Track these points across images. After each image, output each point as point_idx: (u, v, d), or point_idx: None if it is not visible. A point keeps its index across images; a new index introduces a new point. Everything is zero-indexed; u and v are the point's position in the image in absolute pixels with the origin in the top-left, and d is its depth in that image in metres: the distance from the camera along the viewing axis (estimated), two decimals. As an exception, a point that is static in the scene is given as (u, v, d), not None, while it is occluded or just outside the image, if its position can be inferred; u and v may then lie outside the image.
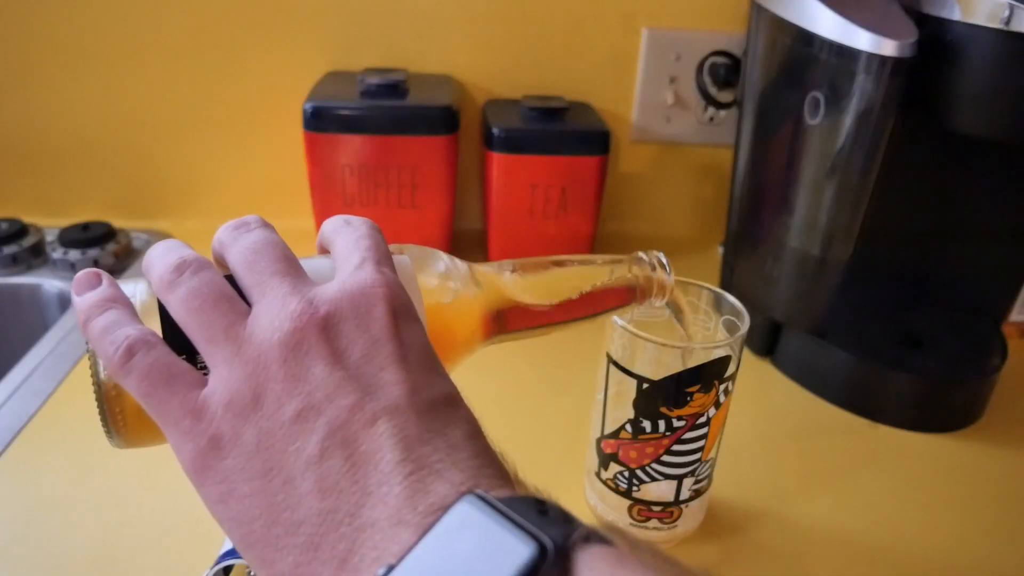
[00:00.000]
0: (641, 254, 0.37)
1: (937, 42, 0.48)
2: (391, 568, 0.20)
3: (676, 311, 0.40)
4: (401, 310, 0.27)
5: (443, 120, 0.67)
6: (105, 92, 0.75)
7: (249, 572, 0.40)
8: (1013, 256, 0.63)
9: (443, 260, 0.34)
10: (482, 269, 0.35)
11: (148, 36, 0.73)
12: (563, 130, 0.70)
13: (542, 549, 0.20)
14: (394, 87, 0.68)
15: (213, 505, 0.25)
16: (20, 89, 0.75)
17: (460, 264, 0.34)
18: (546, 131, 0.70)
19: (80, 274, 0.29)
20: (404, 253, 0.33)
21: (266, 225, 0.30)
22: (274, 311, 0.26)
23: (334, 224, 0.31)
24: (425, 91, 0.70)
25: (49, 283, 0.70)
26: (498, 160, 0.69)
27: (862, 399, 0.58)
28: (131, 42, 0.73)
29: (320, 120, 0.65)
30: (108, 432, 0.28)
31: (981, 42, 0.47)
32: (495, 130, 0.68)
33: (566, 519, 0.21)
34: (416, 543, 0.21)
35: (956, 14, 0.47)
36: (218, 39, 0.74)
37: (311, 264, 0.30)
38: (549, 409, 0.56)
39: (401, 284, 0.28)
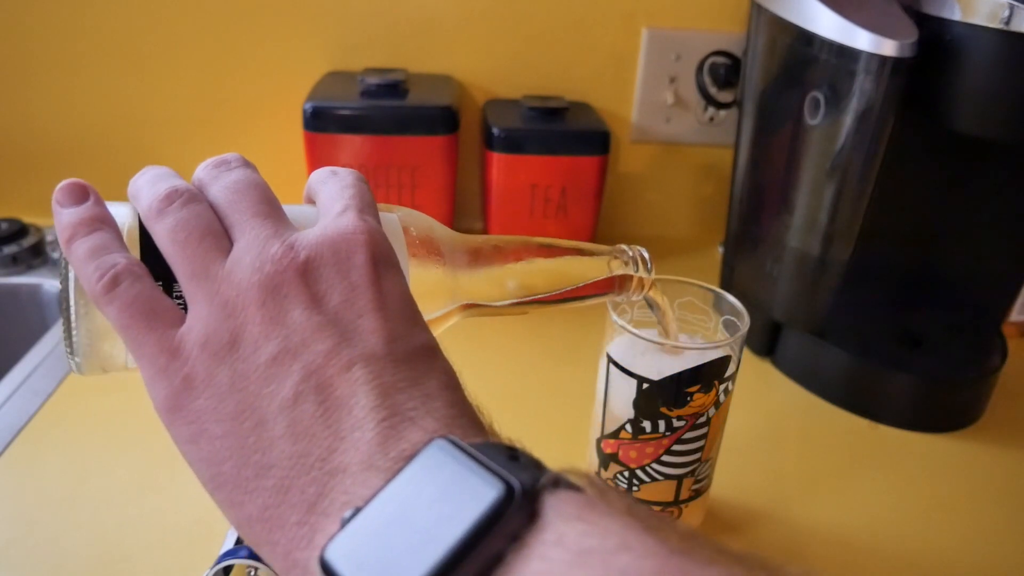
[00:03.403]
0: (624, 247, 0.37)
1: (937, 42, 0.48)
2: (357, 511, 0.20)
3: (654, 307, 0.39)
4: (382, 258, 0.26)
5: (443, 120, 0.67)
6: (105, 92, 0.75)
7: (249, 572, 0.40)
8: (1013, 256, 0.63)
9: (434, 224, 0.34)
10: (470, 244, 0.35)
11: (148, 36, 0.73)
12: (563, 130, 0.70)
13: (509, 491, 0.19)
14: (394, 87, 0.68)
15: (183, 445, 0.25)
16: (20, 89, 0.75)
17: (451, 233, 0.35)
18: (546, 131, 0.70)
19: (64, 183, 0.28)
20: (395, 212, 0.33)
21: (248, 164, 0.30)
22: (254, 252, 0.25)
23: (320, 175, 0.31)
24: (425, 91, 0.70)
25: (49, 283, 0.70)
26: (498, 160, 0.69)
27: (862, 399, 0.58)
28: (131, 42, 0.73)
29: (320, 120, 0.65)
30: (70, 351, 0.28)
31: (981, 42, 0.47)
32: (495, 130, 0.68)
33: (536, 465, 0.21)
34: (384, 487, 0.21)
35: (956, 14, 0.47)
36: (218, 39, 0.74)
37: (294, 211, 0.30)
38: (549, 409, 0.56)
39: (384, 234, 0.28)
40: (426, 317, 0.28)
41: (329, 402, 0.23)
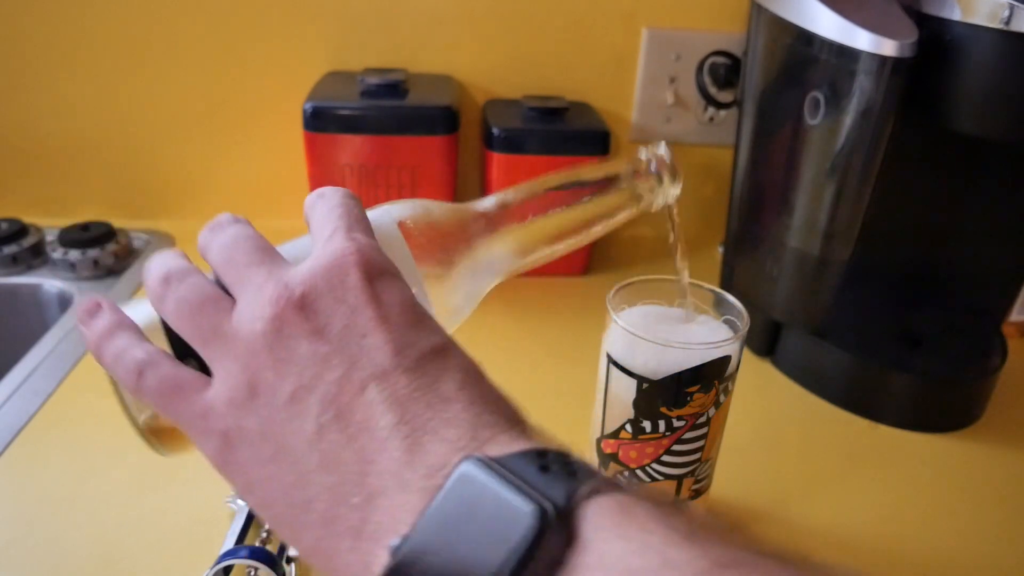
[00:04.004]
0: (641, 156, 0.38)
1: (937, 42, 0.48)
2: (403, 540, 0.21)
3: (673, 224, 0.38)
4: (376, 271, 0.27)
5: (443, 120, 0.67)
6: (105, 92, 0.75)
7: (249, 572, 0.40)
8: (1013, 256, 0.63)
9: (432, 208, 0.34)
10: (474, 213, 0.35)
11: (148, 36, 0.73)
12: (563, 130, 0.70)
13: (543, 514, 0.19)
14: (394, 87, 0.68)
15: (243, 496, 0.26)
16: (20, 89, 0.75)
17: (453, 209, 0.35)
18: (546, 131, 0.70)
19: (81, 305, 0.30)
20: (393, 209, 0.34)
21: (238, 220, 0.30)
22: (253, 301, 0.26)
23: (309, 200, 0.31)
24: (425, 91, 0.70)
25: (49, 283, 0.70)
26: (498, 160, 0.69)
27: (862, 399, 0.58)
28: (131, 42, 0.73)
29: (320, 120, 0.65)
30: (150, 446, 0.31)
31: (981, 42, 0.47)
32: (495, 130, 0.68)
33: (568, 471, 0.21)
34: (424, 509, 0.21)
35: (956, 14, 0.47)
36: (218, 39, 0.74)
37: (290, 248, 0.31)
38: (549, 409, 0.56)
39: (375, 246, 0.28)
40: (455, 306, 0.29)
41: (351, 428, 0.24)
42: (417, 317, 0.26)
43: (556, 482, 0.20)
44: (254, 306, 0.26)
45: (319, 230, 0.29)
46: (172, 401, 0.26)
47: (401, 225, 0.33)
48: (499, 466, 0.21)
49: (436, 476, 0.22)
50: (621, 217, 0.37)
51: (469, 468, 0.21)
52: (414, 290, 0.30)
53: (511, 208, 0.35)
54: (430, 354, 0.25)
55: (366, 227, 0.29)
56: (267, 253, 0.28)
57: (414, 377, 0.24)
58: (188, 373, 0.27)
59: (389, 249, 0.31)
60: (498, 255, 0.35)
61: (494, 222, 0.35)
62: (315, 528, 0.24)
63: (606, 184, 0.37)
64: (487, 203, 0.35)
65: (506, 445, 0.23)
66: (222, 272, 0.28)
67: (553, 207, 0.36)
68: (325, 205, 0.30)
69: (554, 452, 0.22)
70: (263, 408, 0.25)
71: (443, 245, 0.33)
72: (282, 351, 0.25)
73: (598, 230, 0.37)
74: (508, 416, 0.25)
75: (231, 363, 0.26)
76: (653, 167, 0.37)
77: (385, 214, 0.33)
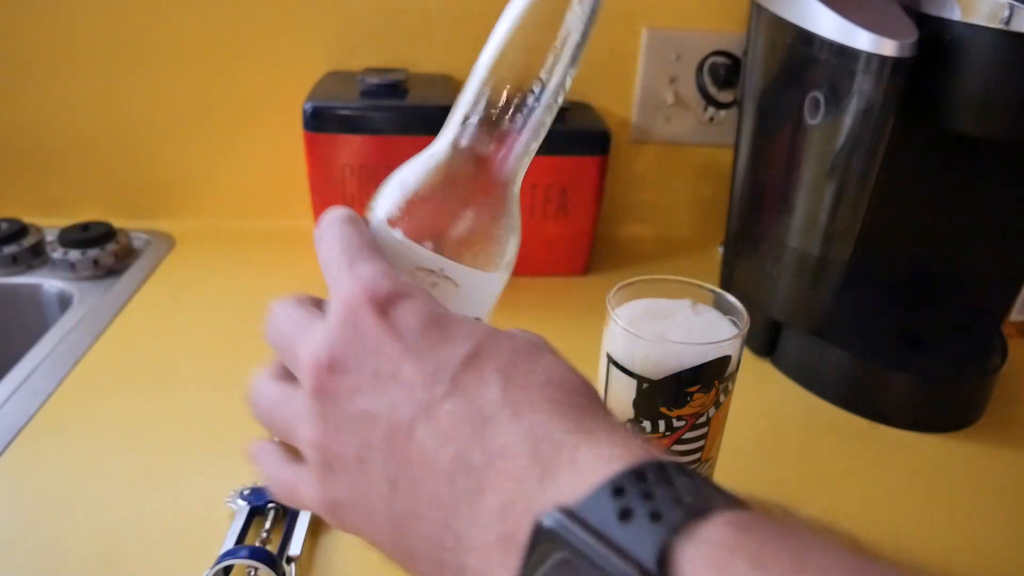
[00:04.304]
0: None
1: (937, 42, 0.48)
2: None
3: None
4: (385, 301, 0.26)
5: (443, 120, 0.67)
6: (105, 92, 0.75)
7: (249, 572, 0.40)
8: (1013, 256, 0.63)
9: (406, 177, 0.32)
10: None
11: (148, 36, 0.73)
12: (563, 130, 0.70)
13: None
14: (394, 87, 0.68)
15: (372, 545, 0.27)
16: (20, 89, 0.75)
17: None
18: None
19: (250, 449, 0.31)
20: (377, 204, 0.32)
21: (277, 304, 0.31)
22: (302, 384, 0.27)
23: (315, 237, 0.31)
24: (425, 91, 0.70)
25: (49, 283, 0.70)
26: (498, 160, 0.69)
27: (862, 399, 0.58)
28: (131, 42, 0.73)
29: (320, 120, 0.65)
30: None
31: (981, 42, 0.47)
32: None
33: (653, 512, 0.19)
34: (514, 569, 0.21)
35: (956, 14, 0.47)
36: (218, 39, 0.74)
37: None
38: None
39: (379, 270, 0.27)
40: (499, 254, 0.29)
41: (417, 473, 0.24)
42: (440, 330, 0.25)
43: (641, 535, 0.18)
44: (303, 390, 0.27)
45: (326, 276, 0.29)
46: (290, 500, 0.29)
47: (391, 223, 0.31)
48: (576, 525, 0.19)
49: (507, 520, 0.21)
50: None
51: (543, 535, 0.20)
52: (437, 282, 0.29)
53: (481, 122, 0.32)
54: (462, 367, 0.24)
55: (367, 250, 0.28)
56: (297, 325, 0.28)
57: (454, 402, 0.23)
58: (287, 471, 0.28)
59: (395, 255, 0.30)
60: (498, 172, 0.31)
61: (471, 149, 0.31)
62: (431, 572, 0.24)
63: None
64: (450, 133, 0.32)
65: (573, 477, 0.21)
66: (280, 359, 0.30)
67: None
68: (324, 244, 0.29)
69: (633, 480, 0.20)
70: (343, 477, 0.25)
71: (441, 212, 0.31)
72: (335, 419, 0.25)
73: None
74: (564, 412, 0.23)
75: (306, 447, 0.27)
76: None
77: (376, 220, 0.32)
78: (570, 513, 0.19)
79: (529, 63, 0.30)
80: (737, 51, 0.70)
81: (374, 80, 0.68)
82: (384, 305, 0.26)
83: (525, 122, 0.31)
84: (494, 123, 0.31)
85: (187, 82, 0.75)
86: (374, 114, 0.66)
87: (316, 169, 0.67)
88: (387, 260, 0.28)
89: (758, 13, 0.59)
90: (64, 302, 0.69)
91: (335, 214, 0.30)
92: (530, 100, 0.31)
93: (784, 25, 0.54)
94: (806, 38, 0.52)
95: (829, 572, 0.18)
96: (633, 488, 0.19)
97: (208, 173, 0.80)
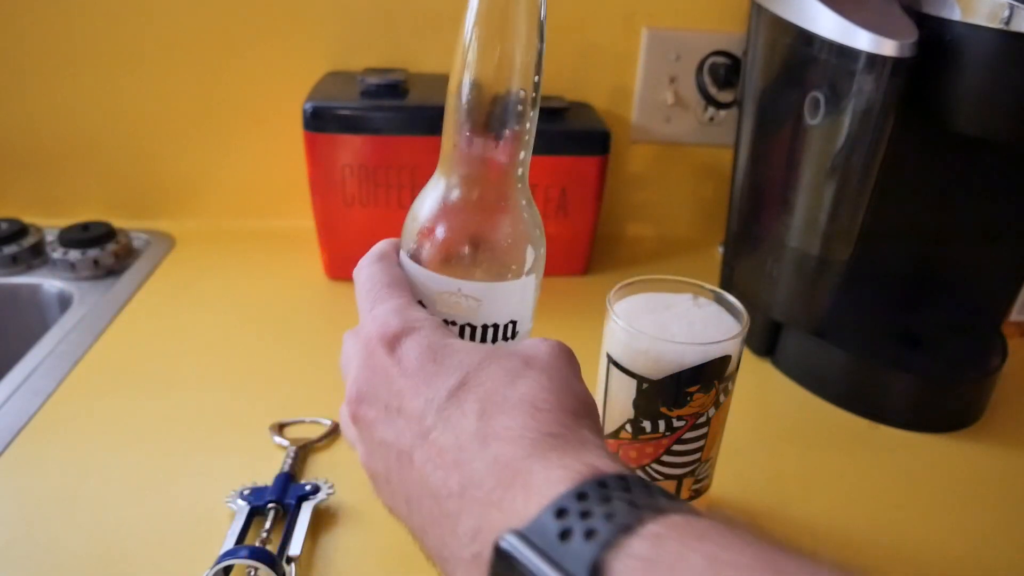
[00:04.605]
0: None
1: (937, 42, 0.48)
2: None
3: None
4: (393, 337, 0.29)
5: (443, 120, 0.67)
6: (105, 92, 0.75)
7: (249, 572, 0.40)
8: (1013, 256, 0.63)
9: (416, 210, 0.34)
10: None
11: (148, 36, 0.73)
12: (563, 130, 0.70)
13: None
14: (394, 87, 0.68)
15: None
16: (20, 89, 0.75)
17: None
18: (546, 131, 0.69)
19: None
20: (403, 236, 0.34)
21: (343, 360, 0.33)
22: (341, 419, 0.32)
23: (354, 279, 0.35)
24: (425, 91, 0.70)
25: (49, 283, 0.70)
26: (498, 160, 0.69)
27: (862, 399, 0.58)
28: (131, 42, 0.73)
29: (320, 120, 0.65)
30: None
31: (981, 42, 0.47)
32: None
33: (588, 530, 0.21)
34: None
35: (956, 14, 0.47)
36: (218, 39, 0.74)
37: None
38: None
39: (393, 307, 0.30)
40: (521, 262, 0.32)
41: (419, 493, 0.27)
42: (435, 364, 0.28)
43: (577, 552, 0.20)
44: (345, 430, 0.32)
45: (360, 314, 0.33)
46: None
47: (410, 255, 0.33)
48: (526, 547, 0.21)
49: (477, 541, 0.24)
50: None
51: (500, 556, 0.22)
52: (460, 301, 0.32)
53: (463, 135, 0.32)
54: (447, 399, 0.27)
55: (387, 289, 0.32)
56: (352, 350, 0.31)
57: (440, 432, 0.26)
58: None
59: (418, 284, 0.33)
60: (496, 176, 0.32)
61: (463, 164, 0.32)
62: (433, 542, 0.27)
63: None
64: (442, 158, 0.33)
65: (528, 501, 0.23)
66: None
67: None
68: (357, 285, 0.33)
69: (574, 500, 0.22)
70: (382, 490, 0.30)
71: (447, 237, 0.32)
72: (368, 444, 0.30)
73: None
74: (528, 437, 0.25)
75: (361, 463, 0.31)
76: None
77: (402, 253, 0.34)
78: (521, 535, 0.22)
79: (494, 72, 0.31)
80: (737, 51, 0.70)
81: (374, 80, 0.68)
82: (392, 342, 0.29)
83: (506, 133, 0.32)
84: (477, 142, 0.32)
85: (187, 82, 0.75)
86: (374, 114, 0.66)
87: (316, 169, 0.68)
88: (409, 292, 0.32)
89: (758, 13, 0.59)
90: (64, 302, 0.69)
91: (370, 253, 0.34)
92: (506, 109, 0.31)
93: (784, 25, 0.54)
94: (806, 38, 0.52)
95: (741, 570, 0.19)
96: (574, 508, 0.22)
97: (208, 173, 0.80)
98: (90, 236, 0.71)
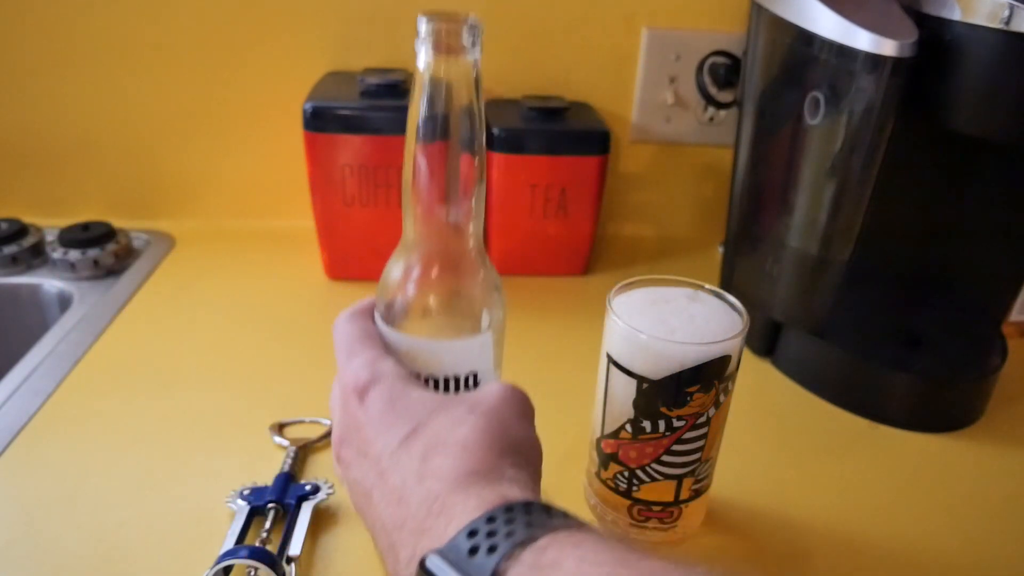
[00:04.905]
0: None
1: (937, 42, 0.48)
2: None
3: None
4: (362, 388, 0.33)
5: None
6: (105, 92, 0.75)
7: (249, 572, 0.40)
8: (1013, 256, 0.63)
9: (385, 276, 0.38)
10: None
11: (148, 36, 0.73)
12: (563, 130, 0.70)
13: None
14: (394, 87, 0.68)
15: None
16: (20, 89, 0.75)
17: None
18: (546, 131, 0.70)
19: None
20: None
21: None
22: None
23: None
24: (425, 91, 0.70)
25: (49, 283, 0.70)
26: (498, 160, 0.69)
27: (862, 399, 0.58)
28: (131, 42, 0.73)
29: (320, 120, 0.65)
30: None
31: (981, 42, 0.47)
32: (495, 130, 0.68)
33: (491, 547, 0.25)
34: None
35: (956, 14, 0.47)
36: (218, 39, 0.74)
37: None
38: (549, 409, 0.56)
39: (364, 360, 0.34)
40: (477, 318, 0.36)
41: (381, 529, 0.31)
42: (393, 414, 0.32)
43: (482, 564, 0.25)
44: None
45: (338, 367, 0.36)
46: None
47: (380, 315, 0.37)
48: (444, 562, 0.26)
49: (411, 566, 0.28)
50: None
51: (424, 572, 0.26)
52: (419, 356, 0.36)
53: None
54: (399, 445, 0.31)
55: (358, 344, 0.36)
56: (334, 401, 0.36)
57: (392, 474, 0.31)
58: None
59: (387, 340, 0.37)
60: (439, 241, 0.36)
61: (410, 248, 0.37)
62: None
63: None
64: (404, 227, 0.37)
65: (448, 526, 0.27)
66: None
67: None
68: (335, 340, 0.37)
69: (484, 523, 0.26)
70: (363, 521, 0.34)
71: (407, 301, 0.37)
72: (347, 481, 0.35)
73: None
74: (456, 476, 0.29)
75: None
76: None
77: (375, 314, 0.38)
78: (440, 553, 0.26)
79: (440, 154, 0.34)
80: (737, 51, 0.70)
81: (374, 80, 0.68)
82: (362, 392, 0.33)
83: (456, 206, 0.35)
84: (430, 215, 0.35)
85: (187, 82, 0.75)
86: (374, 114, 0.66)
87: (316, 169, 0.68)
88: (380, 345, 0.36)
89: (758, 13, 0.59)
90: (64, 302, 0.69)
91: (346, 310, 0.38)
92: (454, 187, 0.35)
93: (784, 25, 0.54)
94: (806, 38, 0.52)
95: (602, 566, 0.24)
96: (483, 529, 0.26)
97: (208, 173, 0.80)
98: (90, 236, 0.71)
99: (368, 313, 0.38)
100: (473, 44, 0.33)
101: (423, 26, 0.32)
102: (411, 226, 0.36)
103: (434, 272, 0.36)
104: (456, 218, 0.35)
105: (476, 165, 0.34)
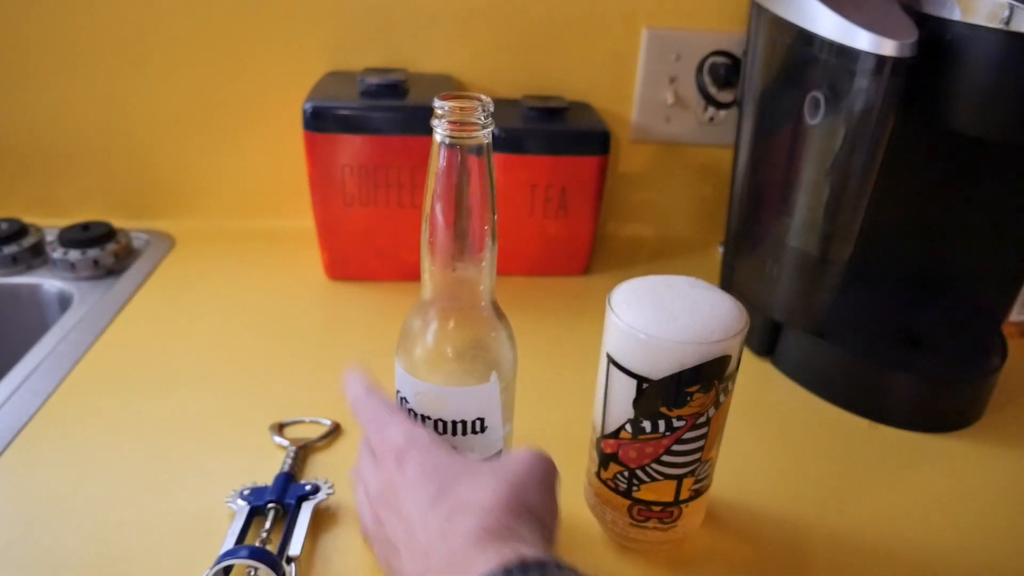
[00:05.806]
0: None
1: (937, 42, 0.48)
2: None
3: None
4: (399, 452, 0.36)
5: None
6: (105, 92, 0.75)
7: (249, 572, 0.40)
8: (1013, 256, 0.63)
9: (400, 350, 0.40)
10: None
11: (148, 36, 0.73)
12: (563, 130, 0.70)
13: None
14: (394, 87, 0.68)
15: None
16: (20, 89, 0.75)
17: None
18: (546, 131, 0.70)
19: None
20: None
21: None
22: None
23: (352, 410, 0.41)
24: (425, 91, 0.70)
25: (49, 283, 0.70)
26: (498, 160, 0.69)
27: (862, 399, 0.58)
28: (131, 42, 0.73)
29: (320, 120, 0.65)
30: None
31: (981, 42, 0.47)
32: (495, 130, 0.68)
33: None
34: None
35: (956, 14, 0.47)
36: (218, 39, 0.74)
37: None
38: (549, 409, 0.56)
39: (398, 429, 0.37)
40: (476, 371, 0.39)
41: None
42: (426, 475, 0.35)
43: None
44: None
45: (369, 435, 0.39)
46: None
47: (399, 360, 0.40)
48: None
49: None
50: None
51: None
52: (434, 401, 0.39)
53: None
54: (428, 507, 0.34)
55: (389, 413, 0.38)
56: (366, 458, 0.40)
57: (421, 532, 0.33)
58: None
59: (402, 384, 0.40)
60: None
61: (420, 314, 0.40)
62: None
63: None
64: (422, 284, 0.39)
65: None
66: None
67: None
68: (361, 417, 0.40)
69: (500, 575, 0.28)
70: (392, 569, 0.37)
71: (423, 352, 0.39)
72: (380, 537, 0.37)
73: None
74: (479, 538, 0.31)
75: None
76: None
77: (397, 362, 0.41)
78: None
79: (456, 216, 0.36)
80: (737, 51, 0.70)
81: (374, 80, 0.68)
82: (399, 457, 0.36)
83: (470, 263, 0.37)
84: (447, 271, 0.38)
85: (187, 82, 0.75)
86: (374, 114, 0.66)
87: (316, 169, 0.68)
88: (402, 411, 0.39)
89: (758, 13, 0.59)
90: (64, 302, 0.69)
91: (359, 386, 0.40)
92: (468, 246, 0.37)
93: (784, 25, 0.54)
94: (806, 38, 0.52)
95: None
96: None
97: (208, 173, 0.80)
98: (90, 236, 0.71)
99: (375, 386, 0.41)
100: (485, 121, 0.36)
101: (440, 107, 0.35)
102: (427, 281, 0.38)
103: (448, 324, 0.39)
104: (469, 275, 0.38)
105: (488, 227, 0.37)
